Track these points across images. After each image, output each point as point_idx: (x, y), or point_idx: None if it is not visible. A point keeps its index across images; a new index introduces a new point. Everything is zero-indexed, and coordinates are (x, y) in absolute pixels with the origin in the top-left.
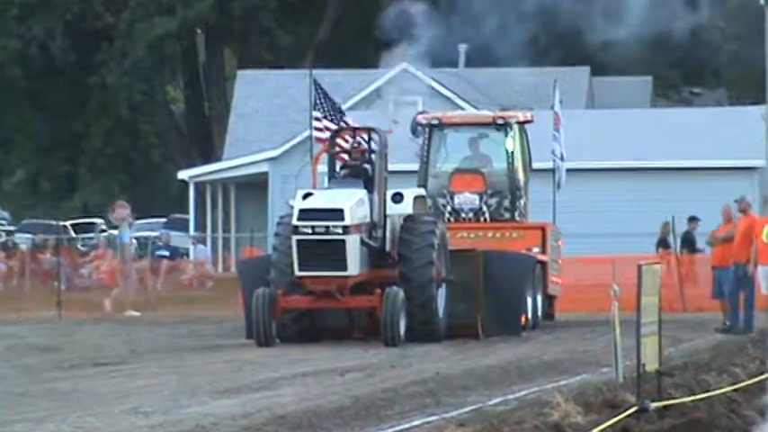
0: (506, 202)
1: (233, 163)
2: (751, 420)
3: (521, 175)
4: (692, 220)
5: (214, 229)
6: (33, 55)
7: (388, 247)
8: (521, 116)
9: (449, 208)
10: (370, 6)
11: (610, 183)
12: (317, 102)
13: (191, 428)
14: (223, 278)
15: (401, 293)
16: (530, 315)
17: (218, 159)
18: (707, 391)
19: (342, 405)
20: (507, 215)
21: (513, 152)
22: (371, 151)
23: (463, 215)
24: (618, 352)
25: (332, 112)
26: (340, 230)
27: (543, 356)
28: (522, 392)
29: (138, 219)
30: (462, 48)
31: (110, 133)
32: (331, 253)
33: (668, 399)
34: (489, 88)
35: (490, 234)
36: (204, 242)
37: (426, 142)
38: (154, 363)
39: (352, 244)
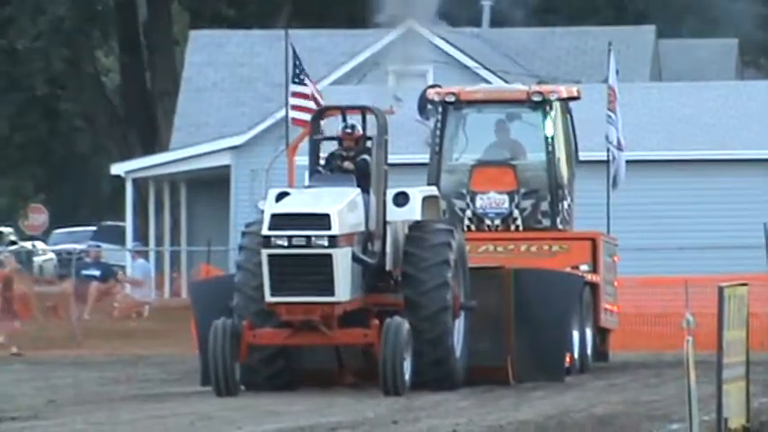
0: (545, 205)
1: (184, 153)
2: None
3: (564, 170)
4: None
5: (159, 241)
6: None
7: (388, 265)
8: (564, 91)
9: (469, 212)
10: None
11: (682, 179)
12: (296, 71)
13: None
14: (170, 305)
15: (406, 326)
16: (576, 354)
17: (165, 149)
18: None
19: None
20: (546, 222)
21: (553, 138)
22: (367, 138)
23: (488, 222)
24: (693, 403)
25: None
26: (325, 242)
27: (593, 409)
28: None
29: (58, 228)
30: (486, 1)
31: (21, 114)
32: (313, 272)
33: None
34: (522, 54)
35: (523, 247)
36: (146, 257)
37: (439, 126)
38: (79, 417)
39: (342, 260)
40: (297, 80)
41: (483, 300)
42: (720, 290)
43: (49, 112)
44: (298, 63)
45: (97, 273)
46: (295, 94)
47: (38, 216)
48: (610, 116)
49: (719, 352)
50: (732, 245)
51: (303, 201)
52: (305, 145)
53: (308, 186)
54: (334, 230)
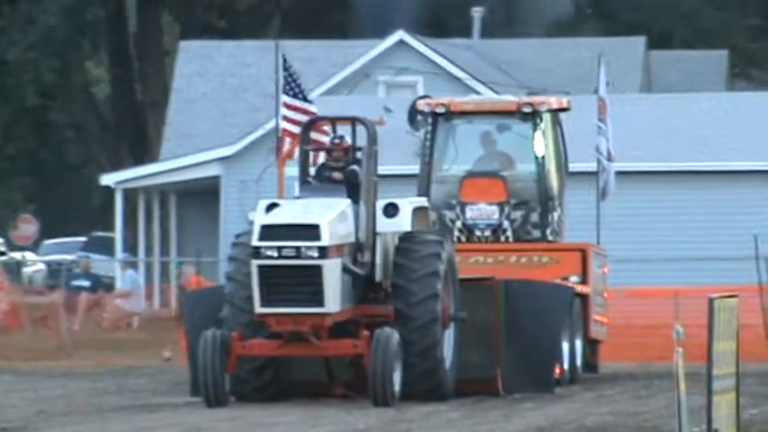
0: (535, 216)
1: (174, 164)
2: None
3: (554, 181)
4: None
5: (148, 252)
6: None
7: (378, 276)
8: (554, 102)
9: (459, 223)
10: None
11: (672, 190)
12: (287, 82)
13: None
14: (159, 316)
15: (396, 337)
16: (565, 365)
17: (155, 160)
18: None
19: None
20: (536, 233)
21: (543, 150)
22: (357, 148)
23: (478, 233)
24: (682, 414)
25: (301, 97)
26: (315, 253)
27: (583, 420)
28: None
29: (48, 238)
30: (477, 12)
31: (11, 125)
32: (303, 283)
33: None
34: (512, 65)
35: (513, 258)
36: (136, 268)
37: (429, 137)
38: (69, 428)
39: (332, 271)
40: (290, 93)
41: (473, 311)
42: (710, 301)
43: (39, 123)
44: (292, 77)
45: (87, 283)
46: (286, 105)
47: (28, 226)
48: (600, 127)
49: (709, 363)
50: (722, 256)
51: (293, 211)
52: (296, 155)
53: (298, 197)
54: (324, 241)
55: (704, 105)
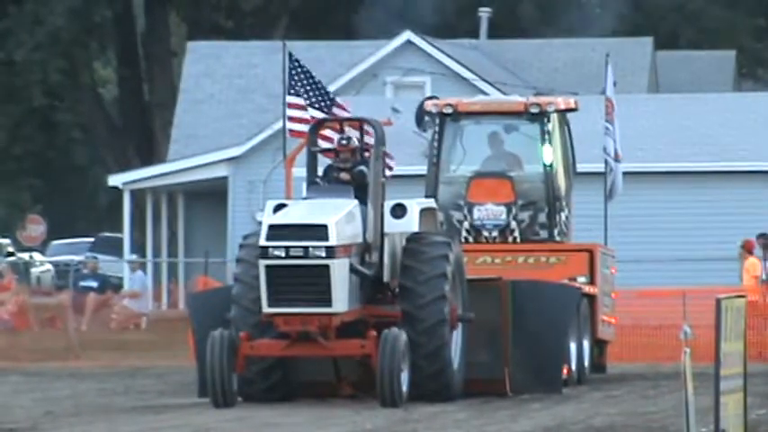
0: (542, 217)
1: (181, 165)
2: None
3: (561, 181)
4: None
5: (156, 253)
6: None
7: (385, 277)
8: (561, 103)
9: (466, 224)
10: None
11: (679, 190)
12: (293, 82)
13: None
14: (167, 317)
15: (403, 337)
16: (573, 366)
17: (162, 160)
18: None
19: None
20: (543, 233)
21: (551, 150)
22: (364, 149)
23: (485, 233)
24: (690, 415)
25: (316, 96)
26: (323, 253)
27: (591, 420)
28: None
29: (55, 239)
30: (484, 12)
31: (18, 126)
32: (311, 283)
33: None
34: (520, 66)
35: (521, 258)
36: (144, 269)
37: (437, 137)
38: (77, 428)
39: (339, 271)
40: (293, 91)
41: (480, 311)
42: (718, 301)
43: (46, 124)
44: (298, 74)
45: (95, 284)
46: (291, 105)
47: (36, 227)
48: (607, 128)
49: (717, 364)
50: (730, 256)
51: (301, 212)
52: (302, 156)
53: (306, 198)
54: (332, 241)
55: (711, 106)
